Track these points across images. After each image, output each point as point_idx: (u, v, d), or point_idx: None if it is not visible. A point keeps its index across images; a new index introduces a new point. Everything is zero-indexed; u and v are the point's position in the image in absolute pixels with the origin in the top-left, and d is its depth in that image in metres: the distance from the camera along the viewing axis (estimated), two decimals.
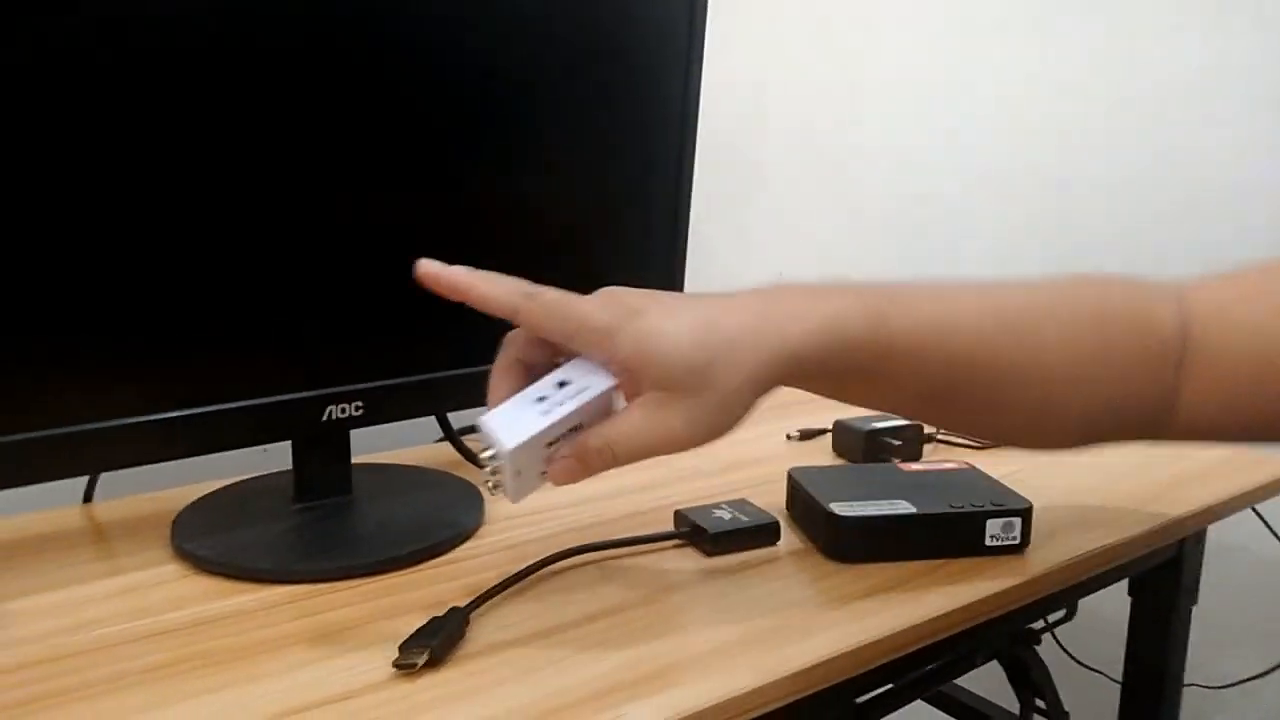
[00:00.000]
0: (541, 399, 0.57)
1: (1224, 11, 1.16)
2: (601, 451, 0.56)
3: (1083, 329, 0.62)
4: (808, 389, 0.62)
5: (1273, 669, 1.08)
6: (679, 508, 0.75)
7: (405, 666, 0.54)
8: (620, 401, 0.58)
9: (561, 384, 0.57)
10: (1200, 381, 0.62)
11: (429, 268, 0.59)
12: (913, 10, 1.32)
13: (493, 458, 0.57)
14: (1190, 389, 0.63)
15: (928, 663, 0.74)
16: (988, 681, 1.02)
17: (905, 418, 0.67)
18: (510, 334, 0.61)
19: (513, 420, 0.57)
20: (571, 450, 0.57)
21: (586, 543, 0.70)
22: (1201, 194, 1.20)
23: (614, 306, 0.57)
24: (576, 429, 0.57)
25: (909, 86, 1.34)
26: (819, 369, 0.58)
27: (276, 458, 0.80)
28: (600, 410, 0.58)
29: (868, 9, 1.28)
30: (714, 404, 0.56)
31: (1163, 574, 0.91)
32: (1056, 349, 0.61)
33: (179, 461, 0.77)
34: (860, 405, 0.64)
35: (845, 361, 0.58)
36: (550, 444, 0.57)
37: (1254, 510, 0.90)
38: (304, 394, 0.70)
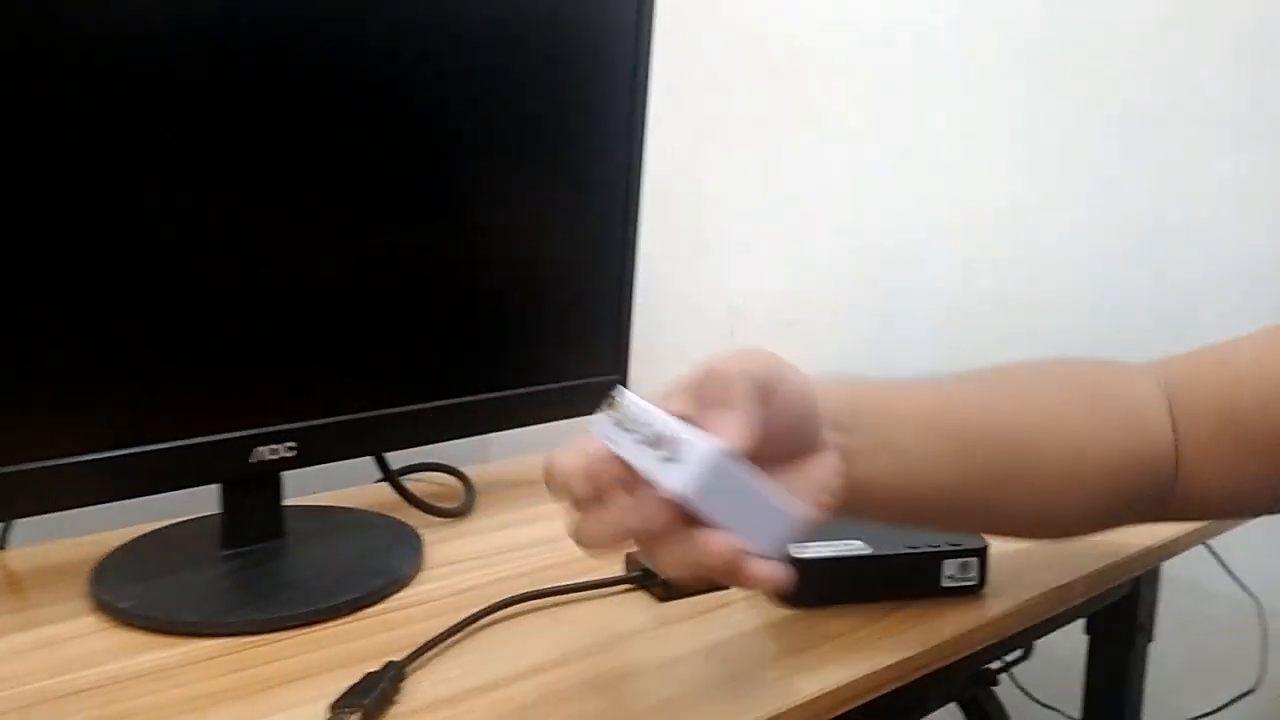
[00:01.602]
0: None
1: (1185, 42, 1.17)
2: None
3: (1080, 402, 0.61)
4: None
5: (1228, 704, 1.08)
6: (630, 550, 0.72)
7: None
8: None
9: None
10: (1186, 451, 0.61)
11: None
12: (870, 38, 1.32)
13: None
14: (1183, 460, 0.62)
15: (885, 708, 0.72)
16: None
17: (934, 525, 0.64)
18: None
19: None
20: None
21: (531, 589, 0.67)
22: (1161, 227, 1.21)
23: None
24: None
25: (865, 113, 1.34)
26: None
27: (206, 498, 0.76)
28: None
29: (823, 35, 1.27)
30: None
31: (1119, 611, 0.90)
32: (1064, 419, 0.60)
33: (101, 505, 0.74)
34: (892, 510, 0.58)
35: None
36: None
37: (1206, 546, 0.89)
38: (230, 434, 0.67)
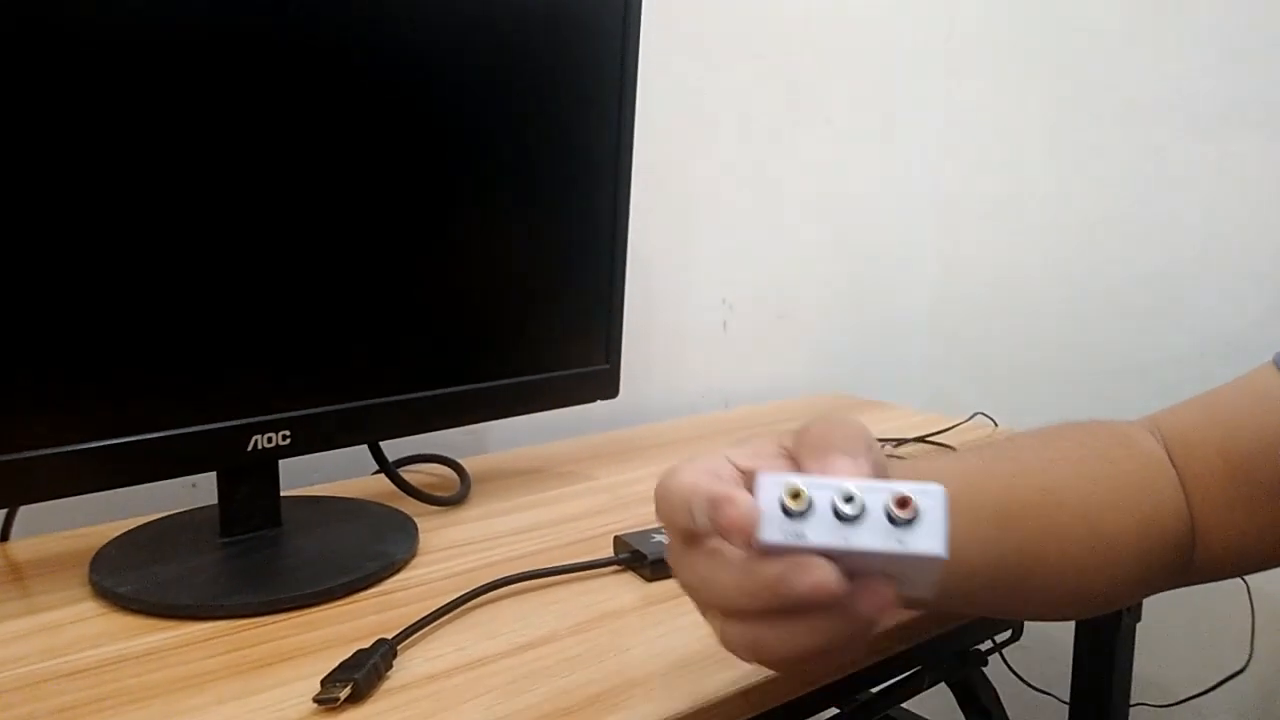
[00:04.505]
0: None
1: (1164, 34, 1.18)
2: None
3: (1095, 471, 0.58)
4: None
5: (1218, 685, 1.09)
6: (619, 533, 0.74)
7: (326, 701, 0.52)
8: None
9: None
10: (1199, 507, 0.59)
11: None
12: (858, 35, 1.33)
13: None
14: (1197, 516, 0.59)
15: (873, 685, 0.73)
16: (936, 705, 1.01)
17: (962, 606, 0.60)
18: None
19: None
20: None
21: (521, 571, 0.68)
22: (1140, 216, 1.22)
23: None
24: None
25: (854, 108, 1.35)
26: None
27: (206, 493, 0.78)
28: None
29: (812, 31, 1.29)
30: None
31: None
32: (1084, 491, 0.57)
33: (102, 499, 0.75)
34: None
35: None
36: None
37: None
38: (227, 423, 0.68)
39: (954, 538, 0.45)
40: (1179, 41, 1.17)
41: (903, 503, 0.37)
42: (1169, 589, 0.62)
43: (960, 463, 0.58)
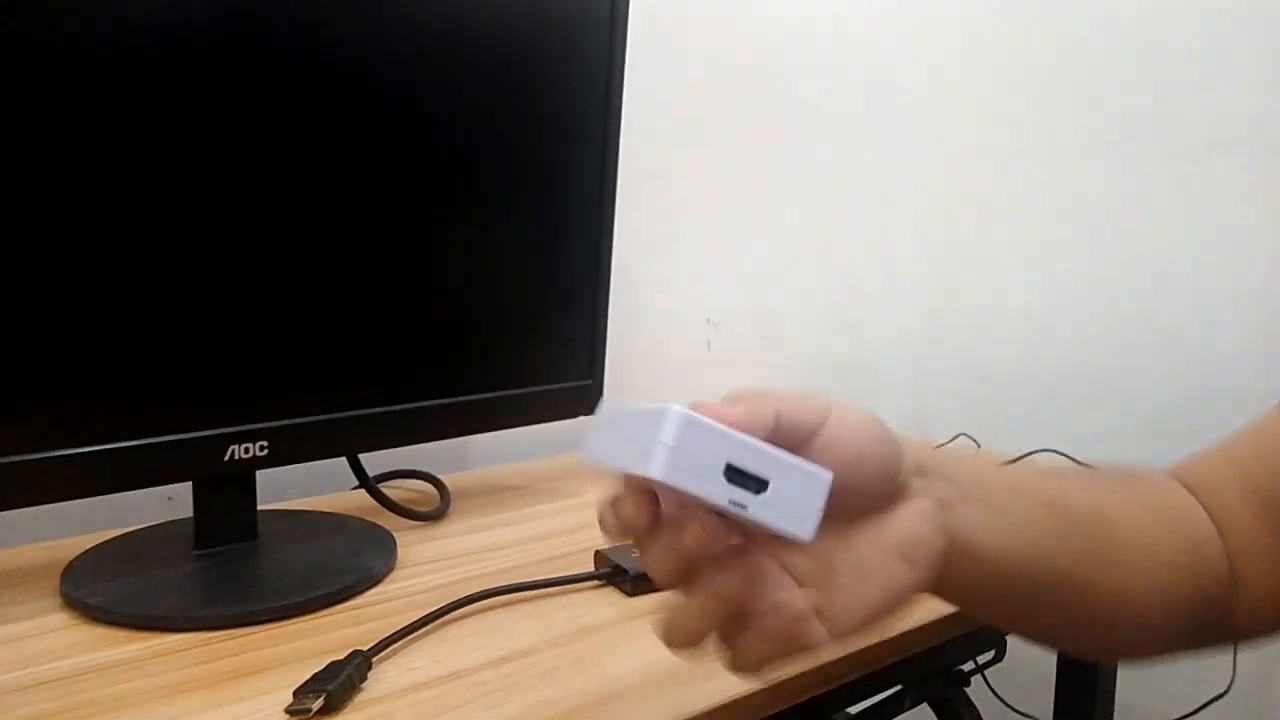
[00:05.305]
0: None
1: (1157, 60, 1.19)
2: None
3: (1137, 497, 0.57)
4: None
5: (1200, 708, 1.08)
6: (600, 549, 0.73)
7: (299, 712, 0.51)
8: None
9: None
10: (1234, 550, 0.57)
11: None
12: (847, 56, 1.34)
13: None
14: (1234, 560, 0.57)
15: (855, 703, 0.72)
16: None
17: (1029, 604, 0.53)
18: None
19: None
20: None
21: (500, 585, 0.67)
22: (1126, 243, 1.22)
23: None
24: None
25: (841, 129, 1.36)
26: None
27: (183, 506, 0.77)
28: None
29: (800, 52, 1.29)
30: None
31: None
32: (1130, 510, 0.55)
33: (76, 512, 0.74)
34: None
35: None
36: None
37: None
38: (204, 433, 0.67)
39: (1012, 534, 0.47)
40: (1162, 62, 1.17)
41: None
42: (1215, 644, 0.58)
43: (1007, 469, 0.54)
